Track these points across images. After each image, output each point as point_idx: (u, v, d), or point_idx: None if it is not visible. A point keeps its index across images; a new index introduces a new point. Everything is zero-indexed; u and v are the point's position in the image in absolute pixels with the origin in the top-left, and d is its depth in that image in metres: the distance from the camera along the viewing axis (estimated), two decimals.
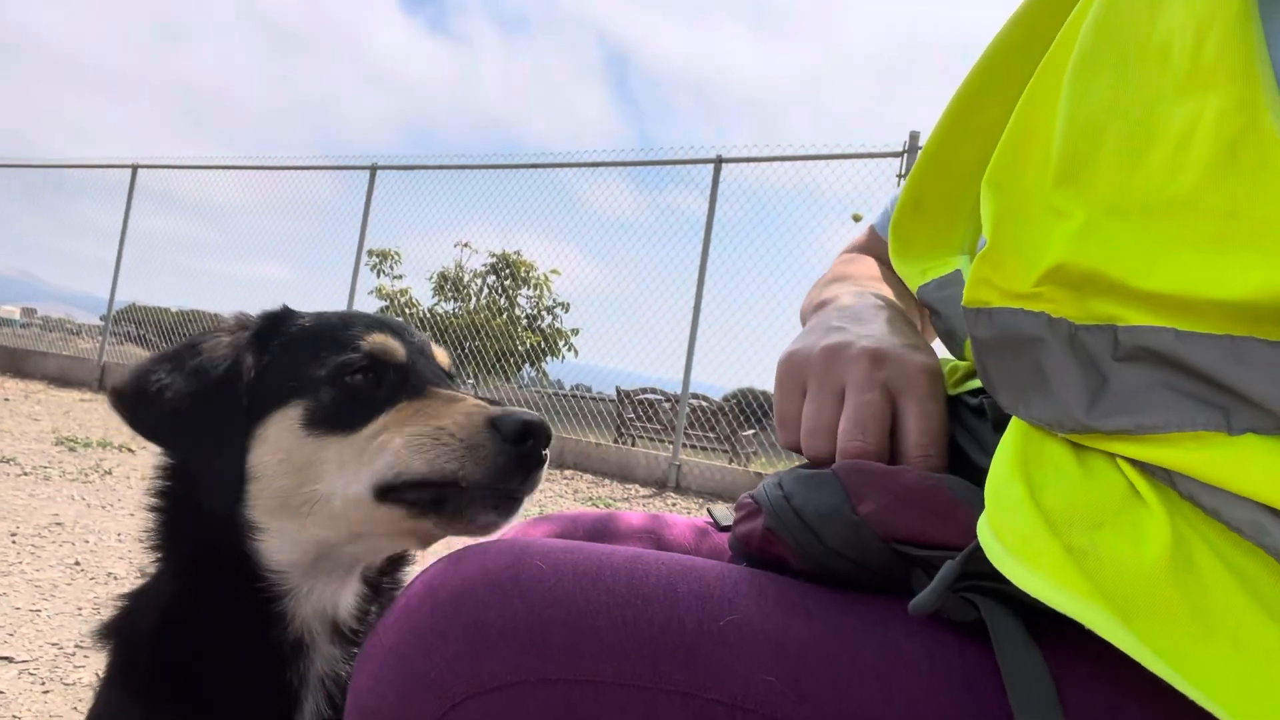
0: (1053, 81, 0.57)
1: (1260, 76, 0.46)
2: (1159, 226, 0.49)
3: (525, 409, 0.91)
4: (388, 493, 0.90)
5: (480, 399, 0.94)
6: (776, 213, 9.08)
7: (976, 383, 0.69)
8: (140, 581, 1.01)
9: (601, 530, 0.95)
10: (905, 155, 7.32)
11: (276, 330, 1.00)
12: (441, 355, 1.07)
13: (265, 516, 0.94)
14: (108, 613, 1.02)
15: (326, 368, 0.94)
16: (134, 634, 0.95)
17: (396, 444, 0.89)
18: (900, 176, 7.32)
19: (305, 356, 0.97)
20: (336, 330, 0.99)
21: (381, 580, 1.05)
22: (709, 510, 0.88)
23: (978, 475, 0.59)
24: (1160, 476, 0.49)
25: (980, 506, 0.54)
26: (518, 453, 0.87)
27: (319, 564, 0.96)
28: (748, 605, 0.59)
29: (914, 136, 7.32)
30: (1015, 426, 0.56)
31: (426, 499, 0.89)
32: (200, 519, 0.94)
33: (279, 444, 0.93)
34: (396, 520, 0.90)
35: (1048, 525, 0.49)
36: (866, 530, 0.60)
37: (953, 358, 0.79)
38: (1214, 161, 0.46)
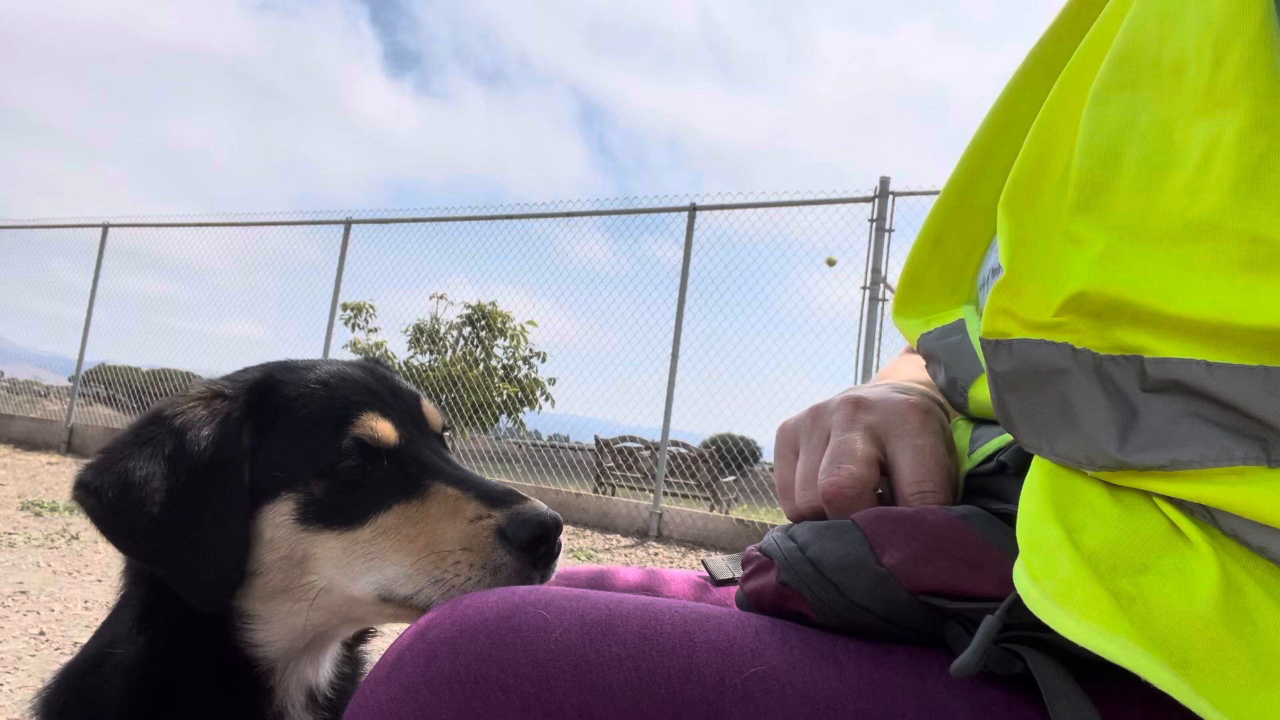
0: (1069, 103, 0.55)
1: None
2: (1182, 251, 0.47)
3: (533, 503, 0.87)
4: (392, 601, 0.87)
5: (476, 487, 0.89)
6: (751, 259, 9.15)
7: (985, 449, 0.67)
8: (89, 650, 0.94)
9: (597, 586, 0.91)
10: (876, 200, 7.42)
11: (266, 401, 0.92)
12: (432, 414, 1.02)
13: (261, 606, 0.89)
14: (49, 683, 0.94)
15: (315, 459, 0.88)
16: (93, 703, 0.89)
17: (408, 573, 0.85)
18: (872, 221, 7.41)
19: (292, 441, 0.89)
20: (322, 409, 0.91)
21: (357, 645, 1.03)
22: (704, 563, 0.84)
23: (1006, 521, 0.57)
24: (1200, 514, 0.47)
25: (1010, 548, 0.51)
26: (533, 558, 0.84)
27: (310, 645, 0.93)
28: (772, 656, 0.55)
29: (884, 181, 7.43)
30: (1039, 466, 0.53)
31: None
32: (182, 608, 0.86)
33: (274, 540, 0.87)
34: (406, 614, 0.87)
35: (1090, 569, 0.46)
36: (894, 582, 0.56)
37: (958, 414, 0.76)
38: (1237, 183, 0.45)
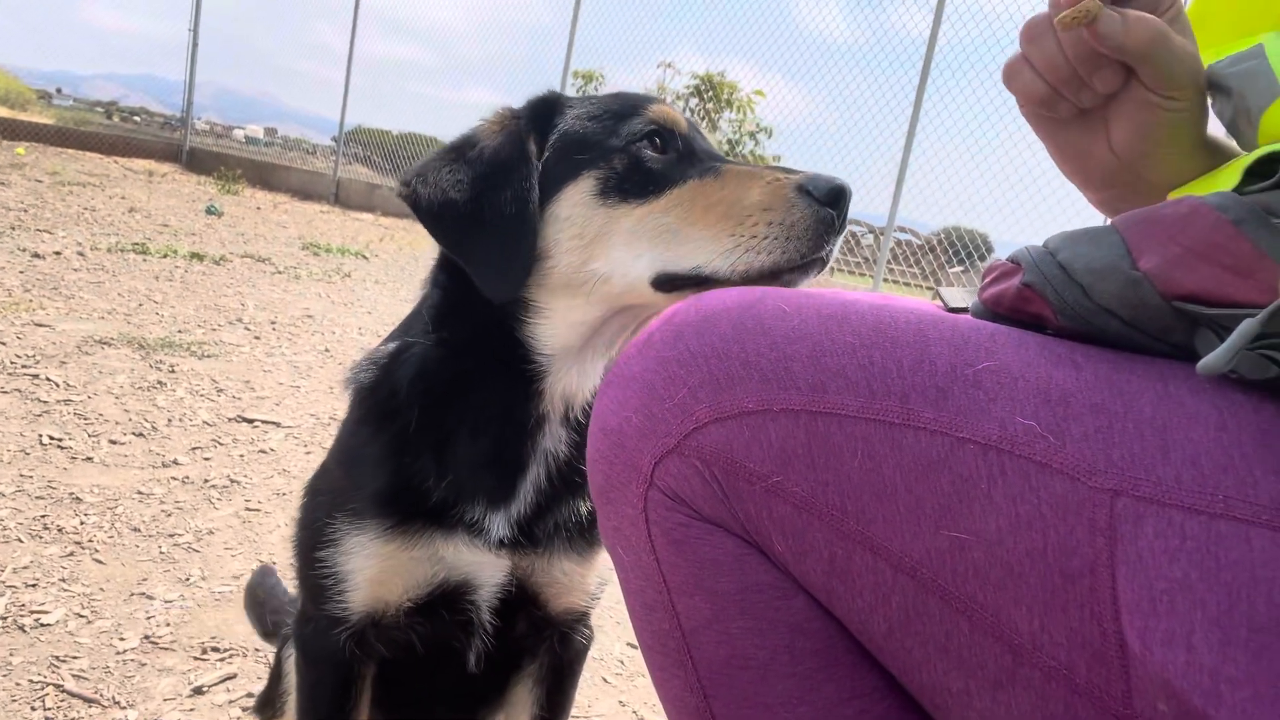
0: None
1: None
2: None
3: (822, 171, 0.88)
4: (668, 282, 0.91)
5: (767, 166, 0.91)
6: (1010, 29, 8.13)
7: (1253, 156, 0.61)
8: (391, 344, 1.09)
9: None
10: None
11: (551, 115, 1.01)
12: (707, 135, 1.05)
13: (545, 296, 0.98)
14: (356, 363, 1.11)
15: (616, 135, 0.95)
16: (391, 382, 1.04)
17: (699, 244, 0.88)
18: None
19: (589, 131, 0.98)
20: (614, 106, 1.00)
21: None
22: (938, 293, 0.84)
23: None
24: None
25: None
26: (831, 215, 0.85)
27: (584, 348, 1.01)
28: (1006, 354, 0.57)
29: None
30: None
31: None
32: (475, 302, 0.98)
33: (573, 217, 0.95)
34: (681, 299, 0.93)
35: None
36: (1147, 286, 0.54)
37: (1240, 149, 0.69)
38: None
